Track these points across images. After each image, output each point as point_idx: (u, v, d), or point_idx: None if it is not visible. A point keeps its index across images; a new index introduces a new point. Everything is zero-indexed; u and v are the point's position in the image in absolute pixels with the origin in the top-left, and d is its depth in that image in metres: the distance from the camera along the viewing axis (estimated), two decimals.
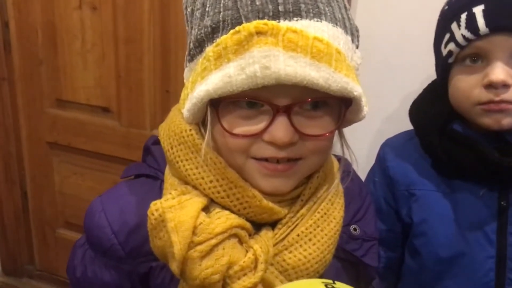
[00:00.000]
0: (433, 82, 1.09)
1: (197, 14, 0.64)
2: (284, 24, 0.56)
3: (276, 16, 0.57)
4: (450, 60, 0.93)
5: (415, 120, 1.06)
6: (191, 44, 0.65)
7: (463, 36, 0.88)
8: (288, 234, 0.67)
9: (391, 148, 1.11)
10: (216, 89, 0.58)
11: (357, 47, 0.66)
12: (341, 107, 0.63)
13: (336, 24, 0.60)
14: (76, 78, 1.83)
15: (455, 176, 0.99)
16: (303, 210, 0.68)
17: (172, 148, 0.68)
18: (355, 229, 0.79)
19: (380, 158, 1.12)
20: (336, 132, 0.68)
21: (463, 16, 0.89)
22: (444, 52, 0.94)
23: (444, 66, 0.96)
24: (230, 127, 0.61)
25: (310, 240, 0.67)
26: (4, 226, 2.19)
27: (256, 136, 0.61)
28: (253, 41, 0.55)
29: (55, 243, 2.17)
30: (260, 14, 0.57)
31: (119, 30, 1.70)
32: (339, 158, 0.76)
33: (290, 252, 0.66)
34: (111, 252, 0.70)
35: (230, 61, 0.57)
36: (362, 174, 1.13)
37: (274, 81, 0.55)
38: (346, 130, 1.43)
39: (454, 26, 0.91)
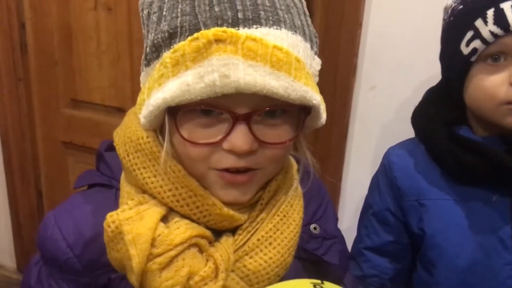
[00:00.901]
0: (433, 88, 1.07)
1: (153, 18, 0.62)
2: (243, 32, 0.56)
3: (235, 23, 0.56)
4: (473, 59, 0.90)
5: (420, 126, 1.05)
6: (148, 49, 0.64)
7: (491, 32, 0.86)
8: (249, 239, 0.67)
9: (397, 157, 1.07)
10: (173, 97, 0.57)
11: (316, 54, 0.66)
12: (300, 115, 0.63)
13: (296, 31, 0.60)
14: (91, 78, 1.85)
15: (466, 183, 0.97)
16: (262, 215, 0.68)
17: (128, 156, 0.66)
18: (315, 228, 0.79)
19: (386, 168, 1.08)
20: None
21: (490, 12, 0.87)
22: (466, 50, 0.91)
23: (463, 65, 0.93)
24: (189, 135, 0.60)
25: (270, 244, 0.67)
26: (19, 225, 2.21)
27: (216, 144, 0.60)
28: (212, 49, 0.54)
29: None
30: (219, 21, 0.56)
31: (134, 31, 1.71)
32: (297, 159, 0.75)
33: (251, 257, 0.66)
34: (67, 265, 0.67)
35: (188, 69, 0.56)
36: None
37: (234, 90, 0.54)
38: (358, 128, 1.44)
39: (479, 23, 0.88)
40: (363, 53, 1.41)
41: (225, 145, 0.59)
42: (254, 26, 0.57)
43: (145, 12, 0.64)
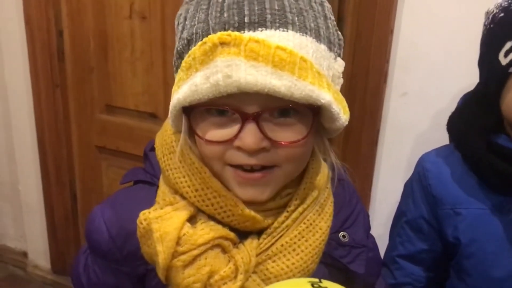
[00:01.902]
0: (469, 94, 1.06)
1: (179, 28, 0.67)
2: (247, 34, 0.58)
3: (241, 27, 0.59)
4: (511, 70, 0.88)
5: (456, 134, 1.03)
6: (174, 56, 0.68)
7: None
8: (273, 244, 0.68)
9: (431, 165, 1.05)
10: (185, 97, 0.60)
11: (338, 55, 0.67)
12: (313, 115, 0.64)
13: (306, 33, 0.61)
14: (125, 85, 1.90)
15: (503, 193, 0.95)
16: (288, 221, 0.69)
17: (163, 157, 0.71)
18: (343, 236, 0.79)
19: (420, 175, 1.06)
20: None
21: None
22: (505, 61, 0.89)
23: (501, 76, 0.91)
24: (203, 133, 0.64)
25: (294, 250, 0.68)
26: (54, 227, 2.27)
27: (228, 142, 0.62)
28: (217, 52, 0.57)
29: None
30: (226, 25, 0.59)
31: (167, 39, 1.75)
32: (332, 167, 0.76)
33: (274, 261, 0.68)
34: (109, 255, 0.72)
35: (198, 71, 0.59)
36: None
37: (236, 89, 0.57)
38: (389, 135, 1.43)
39: None
40: (394, 59, 1.41)
41: (236, 142, 0.62)
42: (259, 29, 0.59)
43: (176, 23, 0.69)
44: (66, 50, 1.98)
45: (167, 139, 0.71)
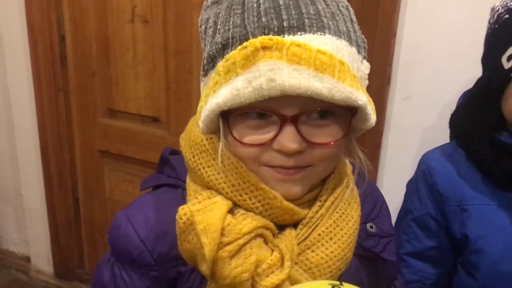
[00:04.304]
0: (470, 92, 1.06)
1: (209, 32, 0.67)
2: (288, 38, 0.59)
3: (281, 31, 0.60)
4: None
5: (459, 131, 1.04)
6: (205, 60, 0.68)
7: None
8: (310, 234, 0.69)
9: (436, 162, 1.06)
10: (225, 102, 0.61)
11: (364, 58, 0.68)
12: (347, 116, 0.65)
13: (340, 36, 0.62)
14: (127, 89, 1.90)
15: (508, 189, 0.97)
16: (322, 210, 0.70)
17: (194, 157, 0.71)
18: (371, 227, 0.81)
19: (426, 173, 1.07)
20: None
21: None
22: (507, 65, 0.90)
23: (503, 79, 0.92)
24: (240, 136, 0.64)
25: (331, 239, 0.69)
26: (56, 231, 2.27)
27: (265, 145, 0.63)
28: (259, 56, 0.58)
29: (105, 248, 2.22)
30: (266, 30, 0.60)
31: (169, 43, 1.75)
32: (352, 162, 0.78)
33: (313, 251, 0.68)
34: (140, 259, 0.71)
35: (238, 75, 0.60)
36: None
37: (279, 93, 0.58)
38: (392, 138, 1.43)
39: None
40: (397, 63, 1.40)
41: (275, 145, 0.63)
42: (299, 33, 0.60)
43: (203, 27, 0.69)
44: (68, 54, 1.99)
45: (196, 139, 0.71)
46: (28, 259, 2.43)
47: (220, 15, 0.66)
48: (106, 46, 1.88)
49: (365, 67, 0.68)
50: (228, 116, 0.64)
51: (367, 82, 0.69)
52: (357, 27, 0.67)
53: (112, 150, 2.03)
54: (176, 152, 0.79)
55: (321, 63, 0.58)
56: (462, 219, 1.01)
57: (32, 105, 2.08)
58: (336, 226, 0.70)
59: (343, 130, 0.65)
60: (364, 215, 0.79)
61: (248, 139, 0.64)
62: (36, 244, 2.36)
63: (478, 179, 1.00)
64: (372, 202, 0.84)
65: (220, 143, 0.67)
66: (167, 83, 1.80)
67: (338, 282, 0.57)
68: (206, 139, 0.70)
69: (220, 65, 0.62)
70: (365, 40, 0.69)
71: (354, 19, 0.68)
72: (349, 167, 0.77)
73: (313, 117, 0.63)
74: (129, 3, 1.78)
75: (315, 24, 0.61)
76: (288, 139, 0.61)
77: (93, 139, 2.07)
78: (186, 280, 0.72)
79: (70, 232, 2.27)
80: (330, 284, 0.56)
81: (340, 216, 0.71)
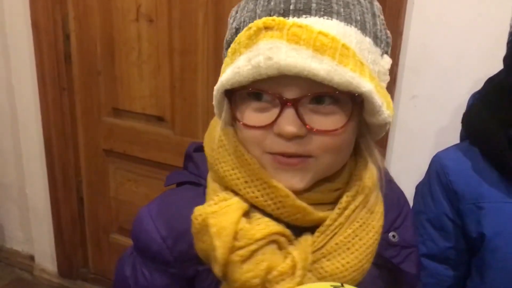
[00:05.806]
0: (485, 90, 1.05)
1: (231, 21, 0.69)
2: (291, 20, 0.59)
3: (286, 13, 0.60)
4: None
5: (474, 130, 1.03)
6: (224, 48, 0.70)
7: None
8: (327, 242, 0.67)
9: (450, 161, 1.05)
10: (228, 80, 0.62)
11: (386, 53, 0.67)
12: (353, 105, 0.63)
13: (351, 24, 0.61)
14: (132, 88, 1.89)
15: None
16: (341, 219, 0.68)
17: (212, 152, 0.71)
18: (393, 236, 0.79)
19: (439, 173, 1.06)
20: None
21: None
22: None
23: None
24: (242, 117, 0.65)
25: (348, 249, 0.67)
26: (61, 230, 2.27)
27: (266, 128, 0.63)
28: (260, 35, 0.59)
29: (109, 247, 2.24)
30: (272, 12, 0.61)
31: (174, 42, 1.75)
32: (378, 168, 0.76)
33: (328, 260, 0.67)
34: (159, 256, 0.72)
35: (241, 54, 0.61)
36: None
37: (276, 71, 0.58)
38: (398, 138, 1.42)
39: None
40: (403, 62, 1.40)
41: (275, 128, 0.62)
42: (304, 16, 0.60)
43: (229, 20, 0.71)
44: (73, 53, 1.99)
45: (215, 134, 0.71)
46: (32, 258, 2.44)
47: (241, 5, 0.68)
48: (111, 45, 1.88)
49: (386, 62, 0.67)
50: (231, 97, 0.65)
51: (387, 77, 0.68)
52: (380, 21, 0.66)
53: (117, 149, 2.03)
54: (201, 148, 0.78)
55: (322, 44, 0.57)
56: (479, 217, 0.99)
57: (37, 104, 2.08)
58: (355, 236, 0.68)
59: (346, 120, 0.63)
60: (387, 224, 0.77)
61: (248, 120, 0.64)
62: (40, 243, 2.37)
63: (494, 176, 0.99)
64: (397, 210, 0.82)
65: (221, 122, 0.69)
66: (172, 82, 1.80)
67: (339, 284, 0.57)
68: (223, 135, 0.70)
69: (230, 47, 0.65)
70: (389, 35, 0.68)
71: (378, 13, 0.66)
72: (374, 173, 0.74)
73: (315, 102, 0.62)
74: (134, 2, 1.77)
75: (323, 9, 0.60)
76: (287, 122, 0.61)
77: (97, 138, 2.07)
78: (204, 279, 0.72)
79: (74, 231, 2.27)
80: (331, 285, 0.57)
81: (361, 226, 0.69)
